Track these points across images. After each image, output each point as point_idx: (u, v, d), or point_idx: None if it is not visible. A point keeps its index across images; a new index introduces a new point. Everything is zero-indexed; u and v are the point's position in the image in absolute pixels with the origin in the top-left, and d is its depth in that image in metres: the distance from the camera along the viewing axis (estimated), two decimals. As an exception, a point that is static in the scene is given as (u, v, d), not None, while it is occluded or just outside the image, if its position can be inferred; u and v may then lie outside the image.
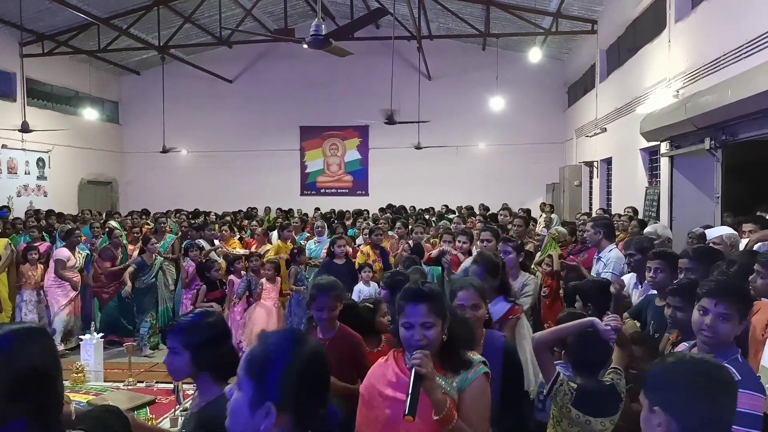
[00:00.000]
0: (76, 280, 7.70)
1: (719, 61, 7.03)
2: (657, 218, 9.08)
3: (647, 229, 5.70)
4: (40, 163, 15.19)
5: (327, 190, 19.13)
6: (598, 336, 2.57)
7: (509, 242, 4.52)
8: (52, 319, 7.50)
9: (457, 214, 11.54)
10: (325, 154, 19.15)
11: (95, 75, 17.25)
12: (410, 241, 7.06)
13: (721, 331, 2.31)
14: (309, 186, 19.24)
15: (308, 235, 9.35)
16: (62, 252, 7.60)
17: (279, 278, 7.01)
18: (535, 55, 14.08)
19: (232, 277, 6.80)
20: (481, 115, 17.09)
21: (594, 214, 9.67)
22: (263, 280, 6.76)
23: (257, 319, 6.51)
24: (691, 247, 3.86)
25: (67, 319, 7.60)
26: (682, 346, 2.56)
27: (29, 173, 14.80)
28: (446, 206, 14.30)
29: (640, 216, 8.94)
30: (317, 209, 14.82)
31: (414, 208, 14.67)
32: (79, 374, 4.61)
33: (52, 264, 7.61)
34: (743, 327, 2.41)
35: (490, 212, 13.25)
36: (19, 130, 12.96)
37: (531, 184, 16.98)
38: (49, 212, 11.42)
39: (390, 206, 14.14)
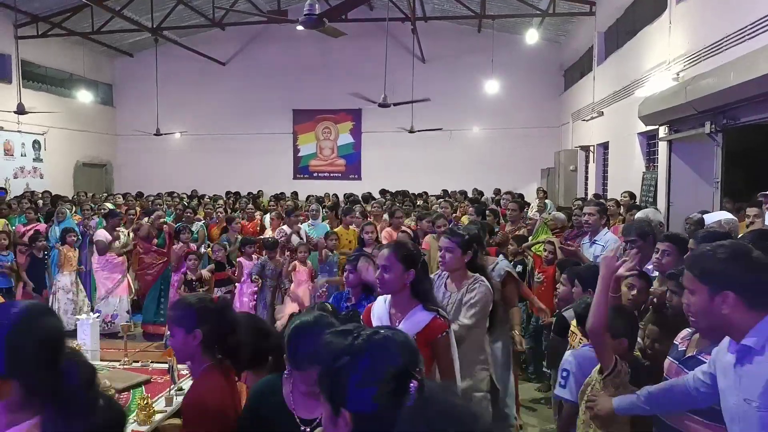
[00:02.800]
0: (121, 260, 7.70)
1: (721, 44, 6.98)
2: (654, 203, 9.07)
3: (639, 214, 5.66)
4: (36, 145, 15.18)
5: (320, 174, 19.05)
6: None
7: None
8: (98, 302, 7.48)
9: (443, 198, 11.45)
10: (317, 137, 19.05)
11: (89, 57, 17.08)
12: (407, 229, 6.86)
13: None
14: (301, 170, 19.16)
15: (302, 218, 9.24)
16: (101, 233, 7.63)
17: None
18: (531, 37, 13.96)
19: (241, 259, 6.77)
20: (475, 98, 16.99)
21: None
22: (296, 262, 6.68)
23: (292, 301, 6.44)
24: (704, 230, 3.79)
25: (115, 301, 7.55)
26: (685, 332, 2.54)
27: (25, 155, 14.83)
28: (445, 191, 14.24)
29: (638, 201, 8.95)
30: (309, 196, 14.74)
31: (407, 192, 14.61)
32: (75, 353, 4.58)
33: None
34: None
35: (483, 197, 13.24)
36: (15, 112, 12.84)
37: (525, 168, 16.94)
38: (45, 193, 11.48)
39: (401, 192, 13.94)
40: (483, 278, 3.48)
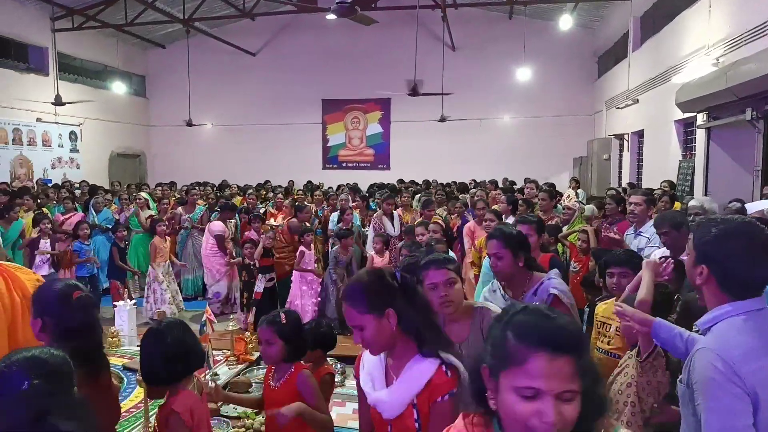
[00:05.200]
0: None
1: (763, 27, 6.77)
2: (691, 193, 8.86)
3: (692, 203, 5.44)
4: (73, 136, 15.52)
5: (349, 164, 19.08)
6: None
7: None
8: (211, 286, 7.82)
9: (475, 187, 11.31)
10: (346, 127, 19.07)
11: (123, 49, 17.37)
12: (440, 221, 6.69)
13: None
14: (331, 160, 19.21)
15: (329, 208, 9.25)
16: (218, 226, 7.84)
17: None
18: (565, 22, 13.69)
19: (302, 248, 6.86)
20: (506, 86, 16.79)
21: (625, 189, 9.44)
22: (372, 252, 6.74)
23: None
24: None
25: (228, 285, 7.85)
26: None
27: (62, 146, 15.15)
28: (474, 181, 14.11)
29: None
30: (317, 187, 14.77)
31: (436, 181, 14.52)
32: (114, 339, 4.75)
33: (207, 235, 7.90)
34: None
35: (515, 186, 13.06)
36: (53, 104, 13.21)
37: (557, 158, 16.69)
38: (83, 183, 11.86)
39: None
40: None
